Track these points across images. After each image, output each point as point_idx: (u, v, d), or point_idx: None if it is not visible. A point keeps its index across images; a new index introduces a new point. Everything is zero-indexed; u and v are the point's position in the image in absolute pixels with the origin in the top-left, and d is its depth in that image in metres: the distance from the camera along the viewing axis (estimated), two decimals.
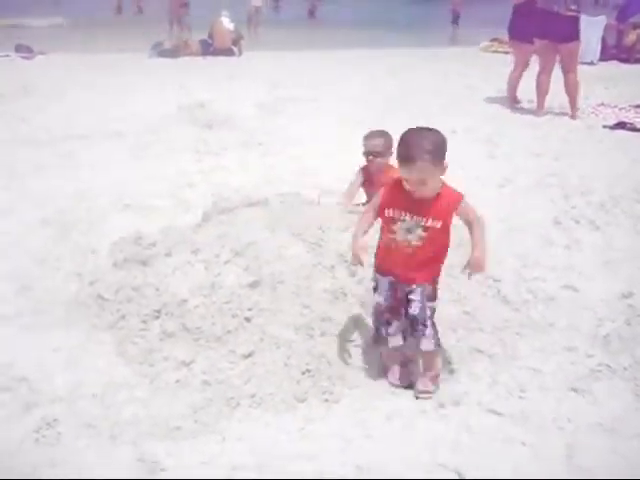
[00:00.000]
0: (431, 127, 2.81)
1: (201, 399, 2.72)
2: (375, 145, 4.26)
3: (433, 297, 2.85)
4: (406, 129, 2.79)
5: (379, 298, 2.89)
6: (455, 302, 3.40)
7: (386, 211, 2.81)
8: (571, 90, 8.46)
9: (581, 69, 12.65)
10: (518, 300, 3.61)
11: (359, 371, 2.96)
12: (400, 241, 2.77)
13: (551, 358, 3.14)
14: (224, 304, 3.12)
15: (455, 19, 26.55)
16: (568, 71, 8.45)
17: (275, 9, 35.42)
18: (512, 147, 6.95)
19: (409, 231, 2.75)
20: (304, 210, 4.03)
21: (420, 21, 27.74)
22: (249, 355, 2.90)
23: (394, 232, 2.78)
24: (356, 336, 3.07)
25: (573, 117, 8.45)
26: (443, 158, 2.75)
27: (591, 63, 12.97)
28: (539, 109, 8.64)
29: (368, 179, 4.41)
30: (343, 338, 3.05)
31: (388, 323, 2.89)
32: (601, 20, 14.13)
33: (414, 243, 2.75)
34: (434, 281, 2.87)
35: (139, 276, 3.47)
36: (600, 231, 4.67)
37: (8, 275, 3.78)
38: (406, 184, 2.74)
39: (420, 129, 2.78)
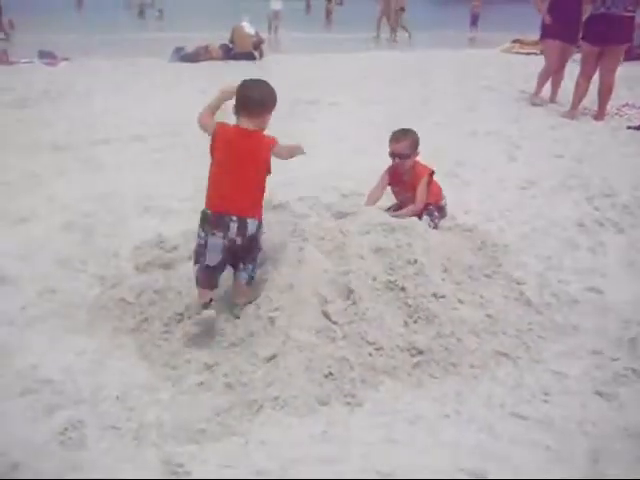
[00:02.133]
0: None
1: (224, 402, 2.72)
2: (401, 147, 4.27)
3: None
4: None
5: None
6: (478, 305, 3.38)
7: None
8: (606, 92, 8.31)
9: None
10: (542, 303, 3.57)
11: (382, 375, 2.95)
12: None
13: (576, 362, 3.11)
14: (247, 307, 3.13)
15: (474, 21, 26.38)
16: (609, 73, 8.23)
17: (306, 12, 35.63)
18: (534, 149, 6.91)
19: None
20: (324, 213, 4.04)
21: (439, 23, 27.65)
22: (272, 358, 2.90)
23: None
24: (378, 339, 3.06)
25: (599, 119, 8.33)
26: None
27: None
28: (573, 110, 8.50)
29: (395, 180, 4.40)
30: (365, 341, 3.04)
31: None
32: None
33: None
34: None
35: (161, 279, 3.50)
36: (624, 233, 4.63)
37: (32, 278, 3.82)
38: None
39: None
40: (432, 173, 4.37)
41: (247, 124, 3.20)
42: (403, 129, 4.37)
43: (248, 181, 3.20)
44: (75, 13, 22.66)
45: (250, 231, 3.18)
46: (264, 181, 3.27)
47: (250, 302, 3.24)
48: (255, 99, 3.19)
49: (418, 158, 4.39)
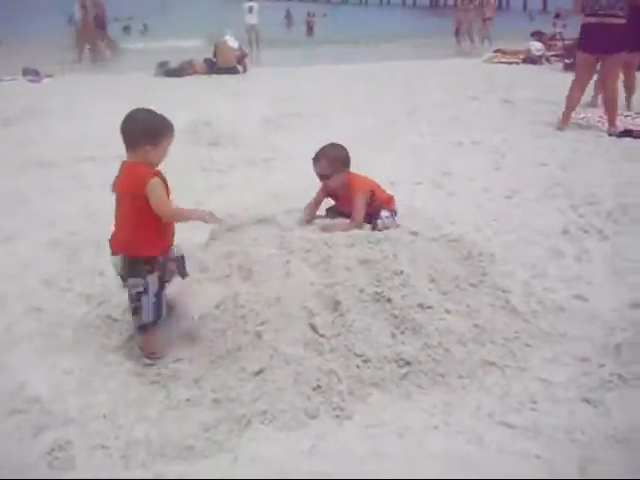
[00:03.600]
0: None
1: (212, 418, 2.72)
2: (320, 168, 4.15)
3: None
4: None
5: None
6: (465, 315, 3.38)
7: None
8: (609, 102, 8.16)
9: None
10: (528, 311, 3.59)
11: (370, 386, 2.95)
12: None
13: (562, 369, 3.12)
14: (234, 321, 3.13)
15: (457, 31, 26.47)
16: (608, 82, 8.15)
17: (288, 26, 35.76)
18: (518, 158, 6.95)
19: None
20: (311, 226, 4.05)
21: (422, 34, 27.84)
22: (259, 372, 2.89)
23: None
24: (365, 351, 3.06)
25: (610, 131, 8.04)
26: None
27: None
28: (564, 122, 8.33)
29: (332, 195, 4.33)
30: (352, 353, 3.04)
31: None
32: None
33: None
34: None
35: None
36: (609, 240, 4.65)
37: (18, 297, 3.81)
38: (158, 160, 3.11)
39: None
40: (372, 191, 4.21)
41: (128, 157, 3.08)
42: (323, 147, 4.19)
43: (124, 216, 3.08)
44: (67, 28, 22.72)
45: (119, 269, 3.08)
46: (148, 217, 2.99)
47: (144, 352, 3.14)
48: (128, 130, 3.04)
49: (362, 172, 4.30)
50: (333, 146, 4.22)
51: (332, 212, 4.36)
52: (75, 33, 18.19)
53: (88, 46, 18.06)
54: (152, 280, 3.04)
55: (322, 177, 4.19)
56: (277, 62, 17.69)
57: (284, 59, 18.49)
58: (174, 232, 3.18)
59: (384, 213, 4.23)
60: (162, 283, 3.10)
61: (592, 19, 7.87)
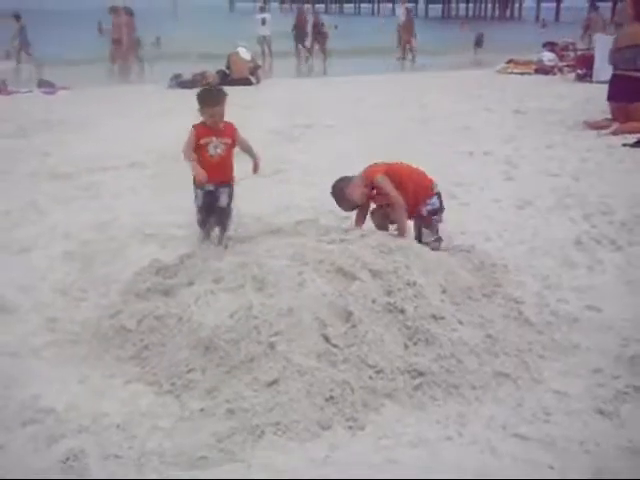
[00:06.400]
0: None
1: (225, 428, 2.72)
2: (344, 208, 4.52)
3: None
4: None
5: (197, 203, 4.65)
6: (478, 326, 3.38)
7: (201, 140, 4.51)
8: None
9: (597, 87, 12.71)
10: (541, 322, 3.58)
11: (383, 397, 2.95)
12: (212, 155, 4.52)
13: (576, 380, 3.10)
14: (247, 332, 3.14)
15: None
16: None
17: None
18: (530, 168, 6.95)
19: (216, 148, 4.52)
20: (323, 237, 4.06)
21: (435, 44, 27.87)
22: (273, 383, 2.90)
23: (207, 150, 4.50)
24: (378, 362, 3.06)
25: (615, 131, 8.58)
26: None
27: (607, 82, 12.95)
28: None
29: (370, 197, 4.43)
30: (365, 364, 3.04)
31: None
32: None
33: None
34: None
35: (162, 306, 3.51)
36: (622, 251, 4.64)
37: (33, 308, 3.84)
38: (209, 121, 4.53)
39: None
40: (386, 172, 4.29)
41: None
42: (333, 191, 4.44)
43: None
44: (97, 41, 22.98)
45: None
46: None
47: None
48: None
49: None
50: (338, 188, 4.40)
51: (377, 215, 4.47)
52: (110, 52, 19.33)
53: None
54: (198, 193, 4.62)
55: (352, 209, 4.49)
56: (289, 73, 17.79)
57: (296, 70, 18.58)
58: (216, 168, 4.54)
59: (425, 231, 4.35)
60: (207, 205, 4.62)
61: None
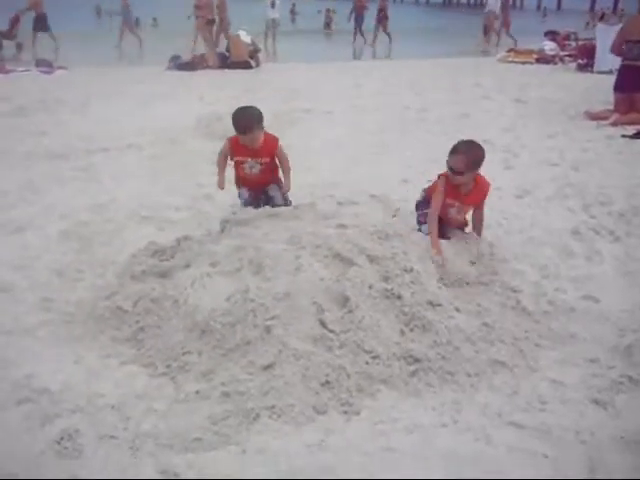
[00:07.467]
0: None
1: (221, 411, 2.72)
2: (456, 163, 3.97)
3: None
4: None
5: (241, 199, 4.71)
6: (474, 314, 3.38)
7: (236, 156, 4.59)
8: None
9: (598, 77, 12.68)
10: (538, 311, 3.58)
11: (378, 383, 2.94)
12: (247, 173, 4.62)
13: (572, 370, 3.11)
14: (243, 315, 3.13)
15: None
16: None
17: (292, 21, 35.78)
18: (530, 158, 6.93)
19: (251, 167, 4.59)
20: (320, 221, 4.04)
21: (435, 31, 27.76)
22: (268, 366, 2.89)
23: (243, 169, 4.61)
24: (374, 347, 3.06)
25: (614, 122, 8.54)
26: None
27: (609, 72, 12.89)
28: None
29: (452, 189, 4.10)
30: (361, 349, 3.04)
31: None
32: (618, 29, 14.05)
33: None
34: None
35: (158, 288, 3.50)
36: (620, 241, 4.64)
37: (29, 288, 3.82)
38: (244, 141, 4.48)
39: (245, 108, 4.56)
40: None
41: None
42: (464, 143, 4.02)
43: None
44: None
45: None
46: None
47: None
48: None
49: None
50: (473, 145, 4.02)
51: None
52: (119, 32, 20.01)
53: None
54: (241, 192, 4.73)
55: (455, 172, 3.99)
56: (290, 57, 17.69)
57: (298, 54, 18.48)
58: (254, 183, 4.69)
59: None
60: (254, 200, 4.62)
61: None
